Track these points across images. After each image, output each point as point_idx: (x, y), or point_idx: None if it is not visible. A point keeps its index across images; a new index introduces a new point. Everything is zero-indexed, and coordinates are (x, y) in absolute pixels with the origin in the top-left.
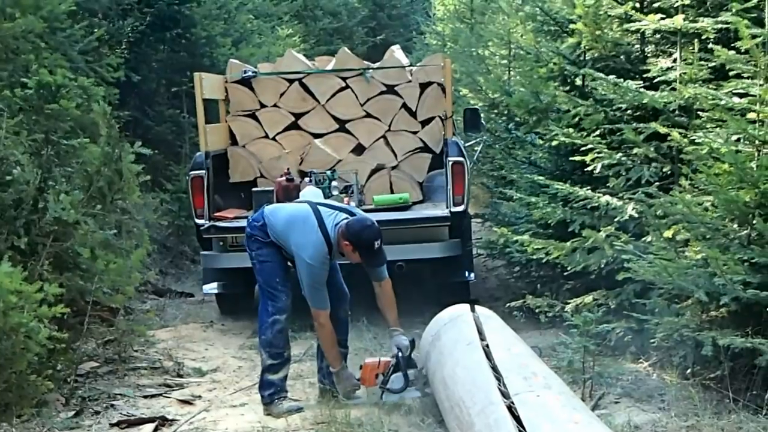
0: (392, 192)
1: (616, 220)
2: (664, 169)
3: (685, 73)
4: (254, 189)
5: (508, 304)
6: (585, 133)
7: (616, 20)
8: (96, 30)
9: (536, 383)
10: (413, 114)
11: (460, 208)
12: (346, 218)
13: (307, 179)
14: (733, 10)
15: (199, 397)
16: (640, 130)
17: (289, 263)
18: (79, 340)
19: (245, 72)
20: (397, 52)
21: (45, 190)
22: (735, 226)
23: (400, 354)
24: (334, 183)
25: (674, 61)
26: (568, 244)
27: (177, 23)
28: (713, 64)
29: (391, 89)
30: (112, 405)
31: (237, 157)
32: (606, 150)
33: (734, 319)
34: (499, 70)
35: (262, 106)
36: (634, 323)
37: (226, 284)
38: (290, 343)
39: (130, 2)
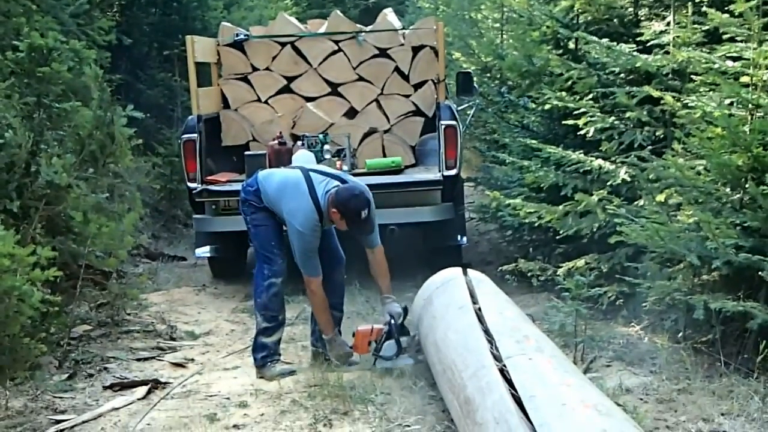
0: (384, 156)
1: (608, 183)
2: (657, 133)
3: (678, 37)
4: (246, 153)
5: (500, 268)
6: (578, 97)
7: None
8: None
9: (528, 346)
10: (406, 77)
11: (453, 172)
12: (337, 186)
13: (299, 143)
14: None
15: (192, 360)
16: (633, 93)
17: (283, 227)
18: (72, 304)
19: (237, 35)
20: (389, 16)
21: (37, 153)
22: (727, 190)
23: (392, 321)
24: (326, 147)
25: (668, 24)
26: (561, 207)
27: None
28: (707, 27)
29: (383, 53)
30: (105, 368)
31: (229, 120)
32: (599, 114)
33: (726, 282)
34: (492, 34)
35: (255, 69)
36: (625, 287)
37: (219, 248)
38: (285, 306)
39: None
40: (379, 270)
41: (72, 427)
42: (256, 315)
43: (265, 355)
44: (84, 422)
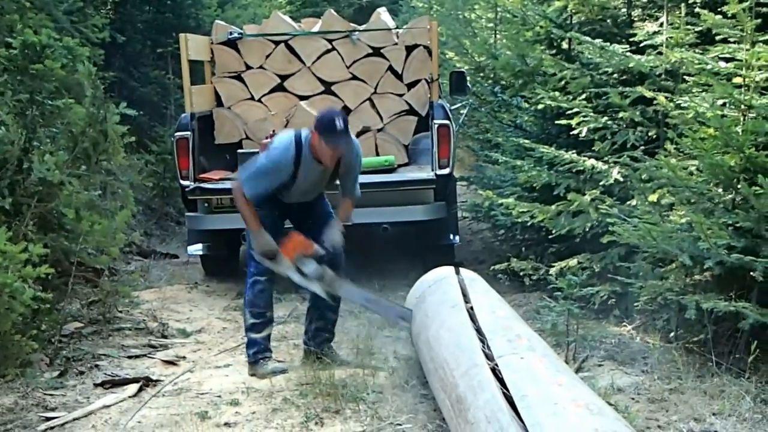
0: (378, 154)
1: (601, 183)
2: (650, 133)
3: (671, 37)
4: (239, 150)
5: (492, 267)
6: (571, 97)
7: None
8: None
9: (520, 345)
10: (399, 77)
11: (446, 171)
12: None
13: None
14: None
15: (184, 357)
16: (626, 94)
17: (278, 226)
18: (64, 301)
19: (231, 33)
20: (383, 15)
21: (30, 150)
22: (720, 190)
23: (327, 250)
24: None
25: (661, 25)
26: (553, 207)
27: None
28: (700, 28)
29: (377, 52)
30: (97, 365)
31: (222, 118)
32: (592, 114)
33: (718, 283)
34: (486, 33)
35: (248, 67)
36: (618, 286)
37: (211, 246)
38: (273, 305)
39: None
40: (346, 206)
41: (63, 424)
42: (245, 311)
43: (256, 351)
44: (75, 420)
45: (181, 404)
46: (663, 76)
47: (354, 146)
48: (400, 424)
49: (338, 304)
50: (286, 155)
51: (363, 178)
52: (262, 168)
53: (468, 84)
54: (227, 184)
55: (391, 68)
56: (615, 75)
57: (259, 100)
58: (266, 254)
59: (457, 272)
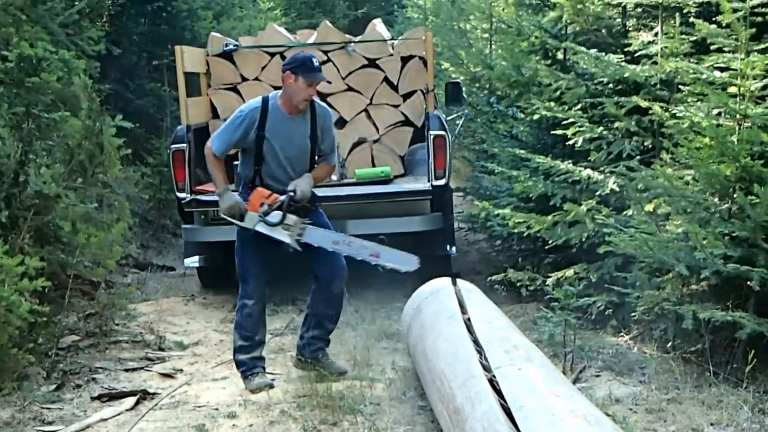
0: (374, 165)
1: (597, 193)
2: (645, 143)
3: (666, 47)
4: (236, 162)
5: (489, 278)
6: (566, 107)
7: None
8: (77, 3)
9: (518, 356)
10: (395, 87)
11: (442, 182)
12: None
13: None
14: None
15: (181, 370)
16: (622, 104)
17: (269, 251)
18: (60, 314)
19: (227, 45)
20: (378, 26)
21: (26, 163)
22: (716, 200)
23: (292, 195)
24: None
25: (656, 34)
26: (550, 217)
27: None
28: (695, 37)
29: (372, 63)
30: (94, 378)
31: None
32: (587, 124)
33: (715, 292)
34: (481, 44)
35: (244, 79)
36: (614, 297)
37: (208, 258)
38: (264, 326)
39: None
40: (321, 169)
41: None
42: (234, 333)
43: (244, 370)
44: None
45: (178, 417)
46: (658, 86)
47: (326, 108)
48: None
49: (337, 314)
50: (250, 105)
51: (360, 190)
52: (229, 122)
53: (463, 94)
54: None
55: (386, 79)
56: (610, 85)
57: None
58: (233, 213)
59: (454, 283)
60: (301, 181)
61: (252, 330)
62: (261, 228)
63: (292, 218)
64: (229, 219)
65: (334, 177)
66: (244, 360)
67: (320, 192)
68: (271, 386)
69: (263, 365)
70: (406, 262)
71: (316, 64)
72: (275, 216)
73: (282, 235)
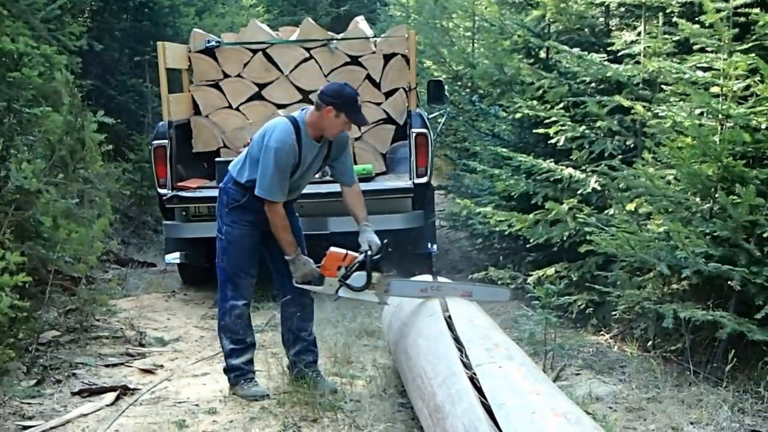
0: (355, 163)
1: (578, 192)
2: (628, 143)
3: (649, 47)
4: (217, 159)
5: (470, 276)
6: (549, 106)
7: None
8: None
9: (498, 354)
10: (377, 85)
11: (424, 180)
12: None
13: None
14: None
15: (161, 366)
16: (604, 103)
17: (259, 247)
18: (41, 309)
19: (209, 42)
20: (361, 23)
21: (7, 158)
22: (697, 199)
23: (369, 252)
24: None
25: (638, 34)
26: (531, 216)
27: None
28: (677, 37)
29: (355, 60)
30: (74, 374)
31: (200, 127)
32: (569, 123)
33: (695, 292)
34: (463, 42)
35: (226, 76)
36: (595, 295)
37: (189, 254)
38: (252, 327)
39: None
40: (359, 201)
41: None
42: (221, 337)
43: (237, 375)
44: (52, 428)
45: (158, 413)
46: (641, 86)
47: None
48: None
49: (311, 322)
50: (285, 139)
51: (339, 187)
52: (272, 164)
53: (446, 93)
54: (205, 193)
55: (368, 77)
56: (593, 84)
57: (237, 109)
58: (308, 280)
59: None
60: (368, 234)
61: (243, 333)
62: (344, 293)
63: (375, 277)
64: (303, 287)
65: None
66: (238, 365)
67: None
68: (267, 396)
69: (254, 370)
70: (498, 294)
71: (359, 103)
72: (359, 279)
73: (367, 296)
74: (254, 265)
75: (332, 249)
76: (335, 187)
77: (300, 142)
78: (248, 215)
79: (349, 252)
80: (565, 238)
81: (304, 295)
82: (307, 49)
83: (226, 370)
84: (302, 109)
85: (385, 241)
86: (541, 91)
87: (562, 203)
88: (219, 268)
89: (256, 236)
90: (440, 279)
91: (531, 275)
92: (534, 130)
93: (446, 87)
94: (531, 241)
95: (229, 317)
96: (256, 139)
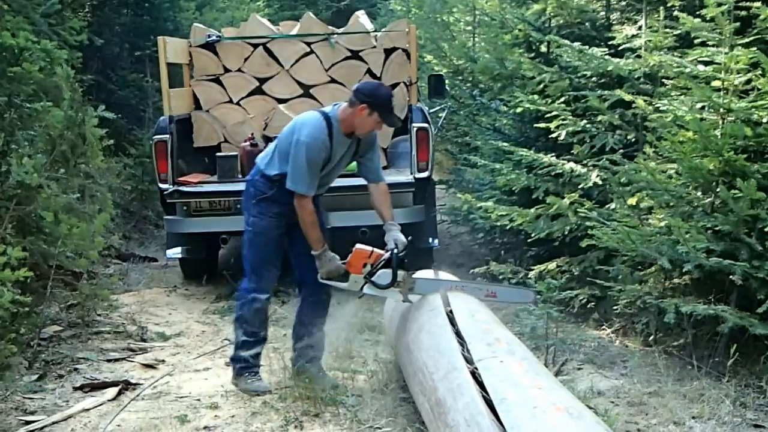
0: None
1: (580, 187)
2: (629, 137)
3: (650, 41)
4: (218, 154)
5: (471, 271)
6: (550, 100)
7: None
8: None
9: (500, 349)
10: (378, 80)
11: (424, 175)
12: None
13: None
14: None
15: (163, 361)
16: (605, 97)
17: (284, 241)
18: (43, 304)
19: (209, 36)
20: (361, 18)
21: (8, 153)
22: (698, 193)
23: (395, 250)
24: None
25: (639, 28)
26: (532, 210)
27: None
28: (678, 31)
29: (355, 55)
30: (76, 369)
31: (201, 121)
32: (570, 117)
33: (697, 286)
34: (464, 37)
35: (226, 70)
36: (597, 290)
37: (190, 249)
38: (268, 323)
39: None
40: (385, 199)
41: (42, 428)
42: (236, 326)
43: (243, 367)
44: (54, 423)
45: (160, 408)
46: (642, 80)
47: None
48: (380, 428)
49: (324, 318)
50: (316, 134)
51: (341, 182)
52: (304, 156)
53: (446, 87)
54: (206, 187)
55: (369, 71)
56: (594, 78)
57: (238, 103)
58: (333, 277)
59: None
60: (394, 233)
61: (259, 326)
62: (369, 290)
63: (401, 275)
64: (329, 283)
65: None
66: (246, 357)
67: None
68: (268, 391)
69: (260, 365)
70: (523, 296)
71: (393, 104)
72: (385, 277)
73: (392, 294)
74: (279, 258)
75: (358, 246)
76: (336, 182)
77: (332, 137)
78: (275, 207)
79: (375, 249)
80: (566, 233)
81: (324, 291)
82: (308, 44)
83: (233, 360)
84: (334, 105)
85: (410, 238)
86: (542, 86)
87: (563, 198)
88: (244, 258)
89: (282, 228)
90: (465, 281)
91: (532, 270)
92: (535, 125)
93: (447, 81)
94: (532, 235)
95: (248, 309)
96: (285, 134)
